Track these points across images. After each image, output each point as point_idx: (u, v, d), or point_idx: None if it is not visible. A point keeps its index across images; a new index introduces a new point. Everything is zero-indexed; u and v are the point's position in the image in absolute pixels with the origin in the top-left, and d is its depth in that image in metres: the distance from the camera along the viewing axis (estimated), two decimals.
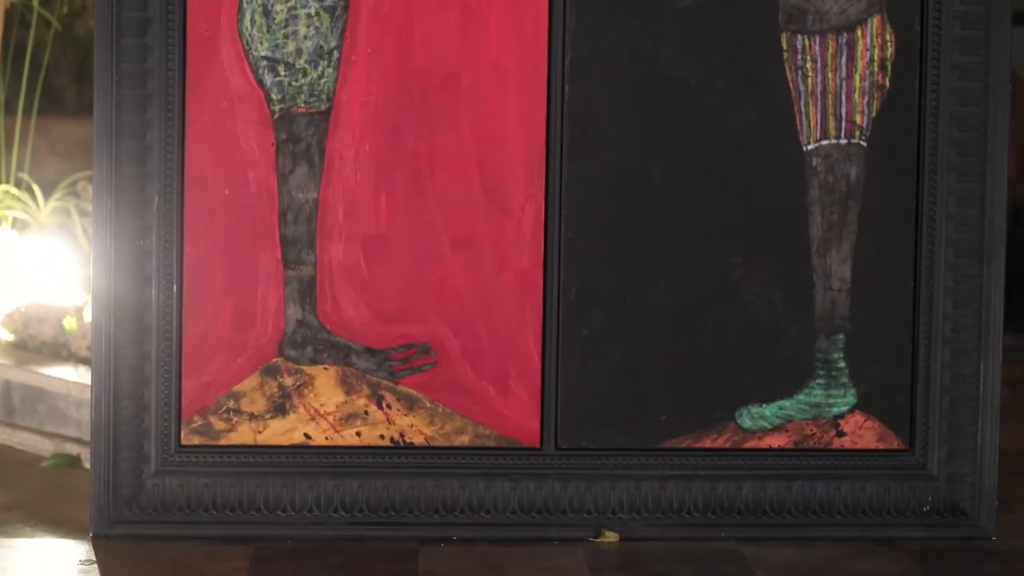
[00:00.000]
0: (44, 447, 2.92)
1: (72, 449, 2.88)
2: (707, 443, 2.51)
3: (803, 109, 2.48)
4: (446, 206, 2.47)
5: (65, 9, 3.47)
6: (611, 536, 2.47)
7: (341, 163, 2.46)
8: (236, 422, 2.47)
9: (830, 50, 2.48)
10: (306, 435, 2.48)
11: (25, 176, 3.50)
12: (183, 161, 2.44)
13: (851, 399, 2.52)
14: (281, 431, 2.48)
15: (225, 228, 2.45)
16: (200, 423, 2.47)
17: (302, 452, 2.48)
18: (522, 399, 2.49)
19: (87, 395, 2.65)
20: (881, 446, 2.54)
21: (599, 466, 2.49)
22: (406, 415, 2.49)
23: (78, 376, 2.96)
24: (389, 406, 2.49)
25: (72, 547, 2.40)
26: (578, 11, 2.45)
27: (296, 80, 2.45)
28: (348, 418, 2.49)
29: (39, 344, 3.14)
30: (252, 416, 2.47)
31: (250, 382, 2.48)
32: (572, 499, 2.48)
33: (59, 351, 3.12)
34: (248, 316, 2.47)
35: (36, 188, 3.50)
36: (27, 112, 3.62)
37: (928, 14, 2.48)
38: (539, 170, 2.47)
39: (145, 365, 2.45)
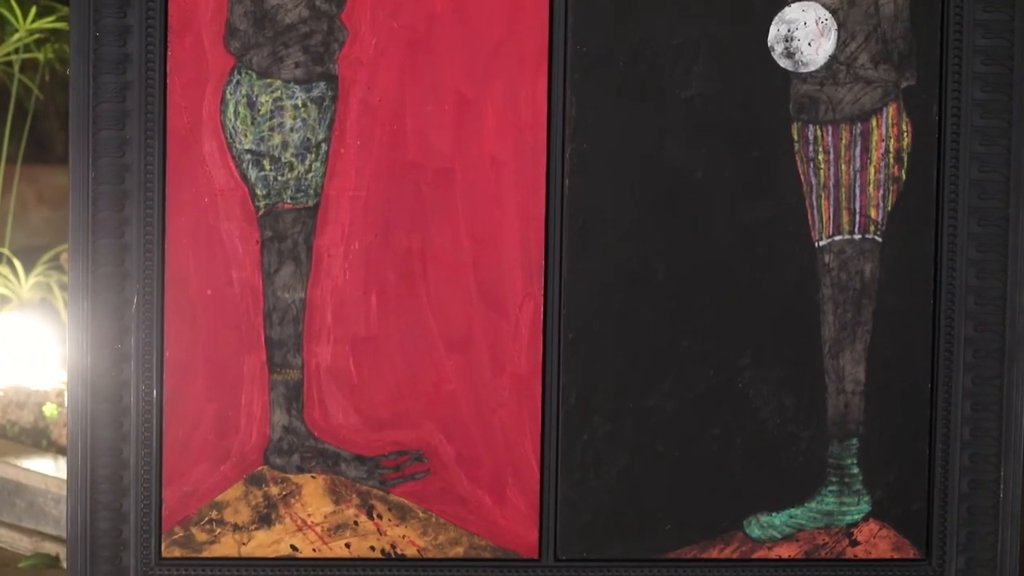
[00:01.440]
0: (23, 544, 2.80)
1: (51, 548, 2.76)
2: (714, 554, 2.39)
3: (815, 203, 2.37)
4: (440, 306, 2.35)
5: (47, 77, 3.35)
6: None
7: (329, 261, 2.34)
8: (219, 533, 2.35)
9: (844, 141, 2.36)
10: (293, 547, 2.36)
11: (4, 250, 3.38)
12: (163, 260, 2.32)
13: (865, 507, 2.40)
14: (267, 543, 2.36)
15: (207, 330, 2.33)
16: (181, 534, 2.35)
17: (289, 565, 2.36)
18: (520, 508, 2.37)
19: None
20: (897, 555, 2.41)
21: None
22: (398, 525, 2.37)
23: (57, 469, 2.84)
24: (380, 516, 2.36)
25: None
26: (578, 101, 2.34)
27: (282, 174, 2.33)
28: (337, 529, 2.37)
29: (18, 431, 3.01)
30: (236, 527, 2.35)
31: (234, 491, 2.35)
32: None
33: (39, 439, 2.99)
34: (232, 422, 2.35)
35: (16, 262, 3.38)
36: (12, 160, 3.50)
37: (946, 103, 2.36)
38: (537, 268, 2.35)
39: (124, 474, 2.33)
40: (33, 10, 3.24)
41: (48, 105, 4.03)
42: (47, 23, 3.21)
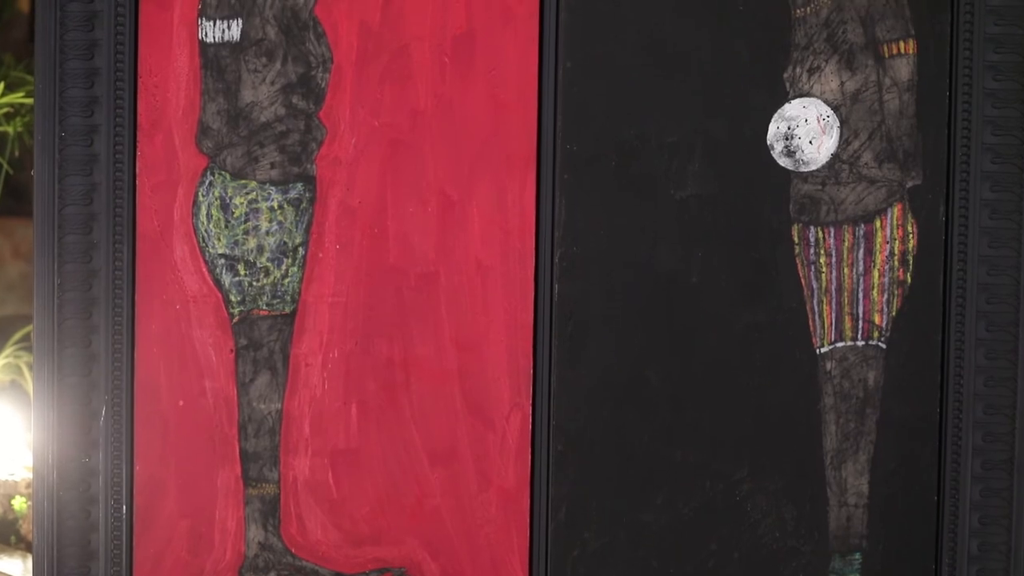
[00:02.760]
0: None
1: None
2: None
3: (816, 308, 2.26)
4: (423, 417, 2.24)
5: (17, 153, 3.24)
6: None
7: (307, 371, 2.23)
8: None
9: (846, 243, 2.26)
10: None
11: None
12: (132, 370, 2.21)
13: None
14: None
15: (179, 443, 2.22)
16: None
17: None
18: None
19: None
20: None
21: None
22: None
23: (24, 570, 2.72)
24: None
25: None
26: (568, 203, 2.23)
27: (257, 280, 2.22)
28: None
29: None
30: None
31: None
32: None
33: (7, 534, 2.88)
34: (205, 539, 2.24)
35: None
36: None
37: (954, 203, 2.26)
38: (525, 377, 2.24)
39: None
40: (0, 84, 3.13)
41: (25, 156, 3.92)
42: (16, 98, 3.10)
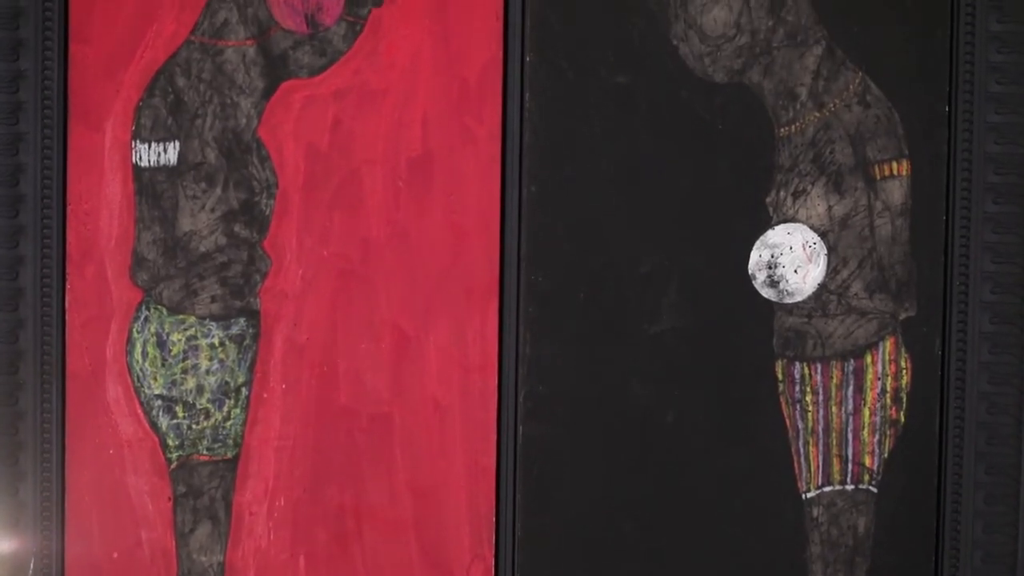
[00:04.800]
0: None
1: None
2: None
3: (802, 449, 2.10)
4: (377, 570, 2.09)
5: None
6: None
7: (252, 520, 2.07)
8: None
9: (834, 380, 2.10)
10: None
11: None
12: (63, 520, 2.07)
13: None
14: None
15: None
16: None
17: None
18: None
19: None
20: None
21: None
22: None
23: None
24: None
25: None
26: (533, 338, 2.07)
27: (197, 423, 2.06)
28: None
29: None
30: None
31: None
32: None
33: None
34: None
35: None
36: None
37: (951, 336, 2.10)
38: (488, 526, 2.09)
39: None
40: None
41: None
42: None
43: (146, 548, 2.07)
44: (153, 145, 2.04)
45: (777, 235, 2.10)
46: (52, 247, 2.04)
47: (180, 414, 2.07)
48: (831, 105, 2.09)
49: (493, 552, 2.10)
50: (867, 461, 2.12)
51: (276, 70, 2.05)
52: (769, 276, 2.10)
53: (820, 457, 2.12)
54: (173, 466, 2.07)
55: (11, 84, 2.02)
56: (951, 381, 2.12)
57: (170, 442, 2.07)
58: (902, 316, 2.11)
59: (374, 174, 2.06)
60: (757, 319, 2.10)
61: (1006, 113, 2.08)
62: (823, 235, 2.10)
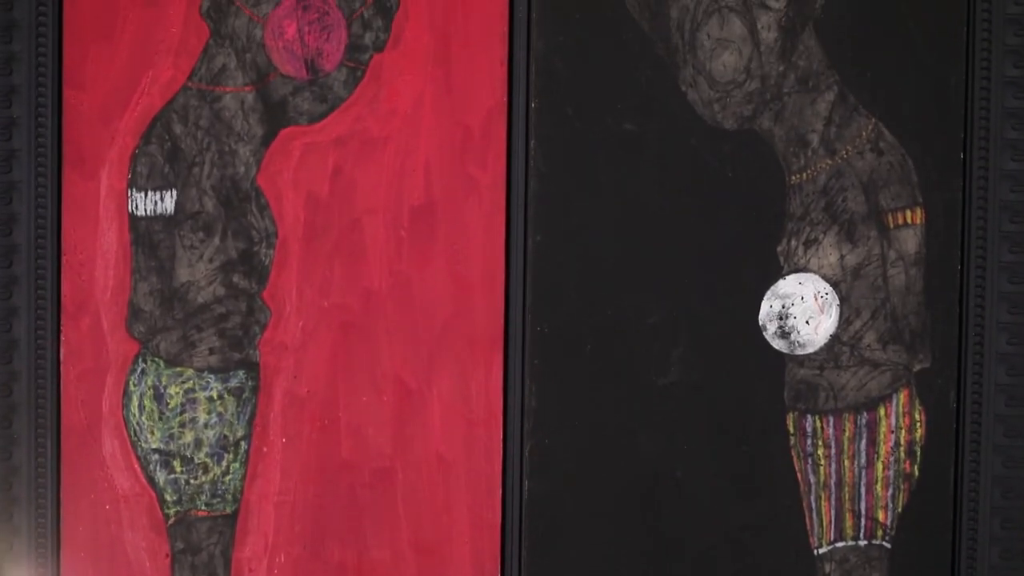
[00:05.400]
0: None
1: None
2: None
3: (814, 504, 2.06)
4: None
5: None
6: None
7: None
8: None
9: (847, 433, 2.05)
10: None
11: None
12: None
13: None
14: None
15: None
16: None
17: None
18: None
19: None
20: None
21: None
22: None
23: None
24: None
25: None
26: (538, 391, 2.02)
27: (195, 477, 2.02)
28: None
29: None
30: None
31: None
32: None
33: None
34: None
35: None
36: None
37: (966, 388, 2.06)
38: None
39: None
40: None
41: None
42: None
43: None
44: (150, 194, 2.00)
45: (788, 285, 2.05)
46: (46, 298, 1.99)
47: (178, 468, 2.02)
48: (843, 152, 2.04)
49: None
50: (880, 516, 2.07)
51: (275, 117, 2.01)
52: (780, 327, 2.05)
53: (832, 512, 2.07)
54: (171, 522, 2.02)
55: (4, 131, 1.98)
56: (966, 434, 2.07)
57: (168, 497, 2.02)
58: (916, 368, 2.07)
59: (376, 223, 2.02)
60: (768, 371, 2.06)
61: (1022, 160, 2.04)
62: (835, 285, 2.06)
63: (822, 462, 2.07)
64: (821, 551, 2.07)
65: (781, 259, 2.05)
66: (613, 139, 2.02)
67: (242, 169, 2.00)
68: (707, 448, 2.05)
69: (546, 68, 2.01)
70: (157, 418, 2.02)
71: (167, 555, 2.03)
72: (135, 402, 2.01)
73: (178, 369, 2.02)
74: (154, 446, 2.02)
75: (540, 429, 2.04)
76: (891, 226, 2.05)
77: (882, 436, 2.07)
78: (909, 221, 2.05)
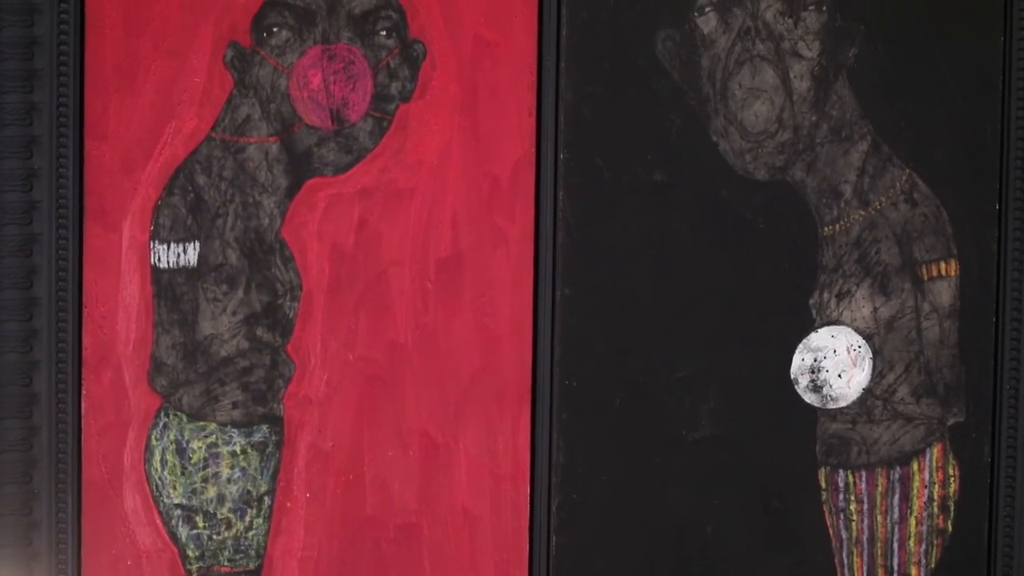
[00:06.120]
0: None
1: None
2: None
3: (845, 560, 2.03)
4: None
5: None
6: None
7: None
8: None
9: (880, 488, 2.03)
10: None
11: None
12: None
13: None
14: None
15: None
16: None
17: None
18: None
19: None
20: None
21: None
22: None
23: None
24: None
25: None
26: (566, 446, 2.00)
27: (218, 533, 1.99)
28: None
29: None
30: None
31: None
32: None
33: None
34: None
35: None
36: None
37: (1000, 443, 2.03)
38: None
39: None
40: None
41: None
42: None
43: None
44: (172, 246, 1.97)
45: (821, 338, 2.02)
46: (67, 351, 1.96)
47: (200, 524, 1.99)
48: (877, 203, 2.01)
49: None
50: (913, 572, 2.05)
51: (300, 168, 1.97)
52: (812, 381, 2.02)
53: (865, 568, 2.04)
54: None
55: (25, 182, 1.94)
56: (1001, 489, 2.05)
57: (190, 553, 1.99)
58: (950, 422, 2.04)
59: (402, 275, 1.99)
60: (799, 425, 2.03)
61: None
62: (868, 338, 2.03)
63: (854, 517, 2.04)
64: None
65: (813, 311, 2.02)
66: (643, 190, 1.99)
67: (266, 221, 1.97)
68: (738, 504, 2.02)
69: (575, 118, 1.98)
70: (179, 473, 1.99)
71: None
72: (157, 457, 1.98)
73: (201, 423, 1.99)
74: (176, 501, 1.99)
75: (568, 484, 2.01)
76: (925, 278, 2.02)
77: (915, 491, 2.04)
78: (943, 273, 2.02)
